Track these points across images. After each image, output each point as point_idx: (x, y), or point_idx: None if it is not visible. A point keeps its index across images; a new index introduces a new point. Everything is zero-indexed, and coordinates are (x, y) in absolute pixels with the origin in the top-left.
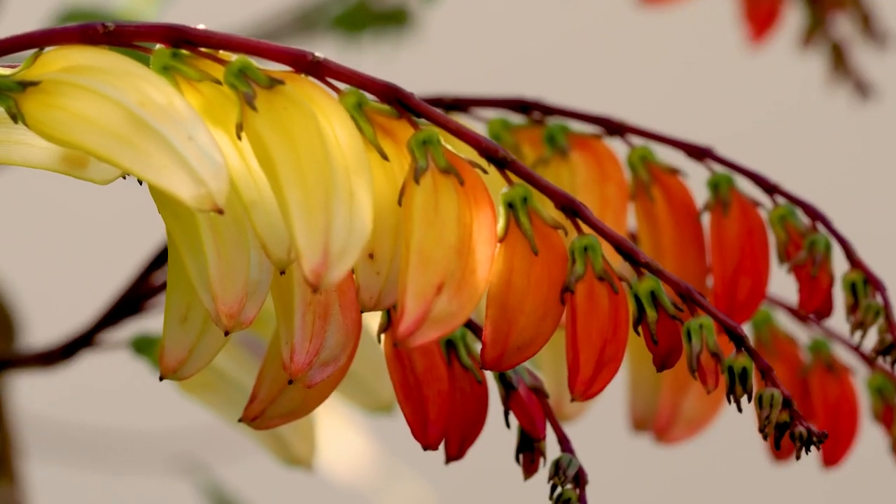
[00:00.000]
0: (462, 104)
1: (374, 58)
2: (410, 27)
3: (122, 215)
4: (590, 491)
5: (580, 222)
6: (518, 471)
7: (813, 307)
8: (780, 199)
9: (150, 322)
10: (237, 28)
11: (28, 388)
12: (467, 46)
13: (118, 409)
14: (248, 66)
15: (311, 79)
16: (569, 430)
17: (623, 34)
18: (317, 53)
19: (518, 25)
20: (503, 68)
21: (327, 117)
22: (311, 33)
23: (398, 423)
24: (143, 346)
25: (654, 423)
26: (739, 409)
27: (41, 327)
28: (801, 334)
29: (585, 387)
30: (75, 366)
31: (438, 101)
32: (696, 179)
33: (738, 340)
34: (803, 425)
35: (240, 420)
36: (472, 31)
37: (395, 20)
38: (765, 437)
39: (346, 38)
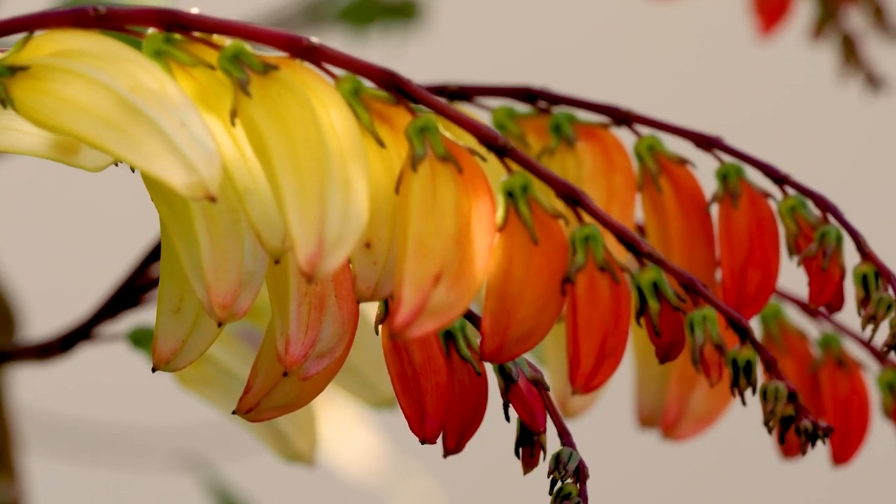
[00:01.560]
0: (466, 93)
1: (381, 51)
2: (418, 20)
3: (121, 206)
4: (591, 486)
5: (581, 211)
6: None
7: (823, 301)
8: (791, 190)
9: (149, 314)
10: (244, 18)
11: (31, 383)
12: (475, 39)
13: (122, 405)
14: (242, 51)
15: (306, 64)
16: (570, 425)
17: (632, 25)
18: (312, 38)
19: (526, 17)
20: (511, 61)
21: (323, 103)
22: (318, 25)
23: None
24: (141, 339)
25: (662, 419)
26: (744, 402)
27: (41, 320)
28: (811, 329)
29: (586, 380)
30: (83, 361)
31: (442, 90)
32: (705, 170)
33: (743, 332)
34: (809, 419)
35: (234, 412)
36: (480, 24)
37: (403, 13)
38: (769, 431)
39: (354, 31)
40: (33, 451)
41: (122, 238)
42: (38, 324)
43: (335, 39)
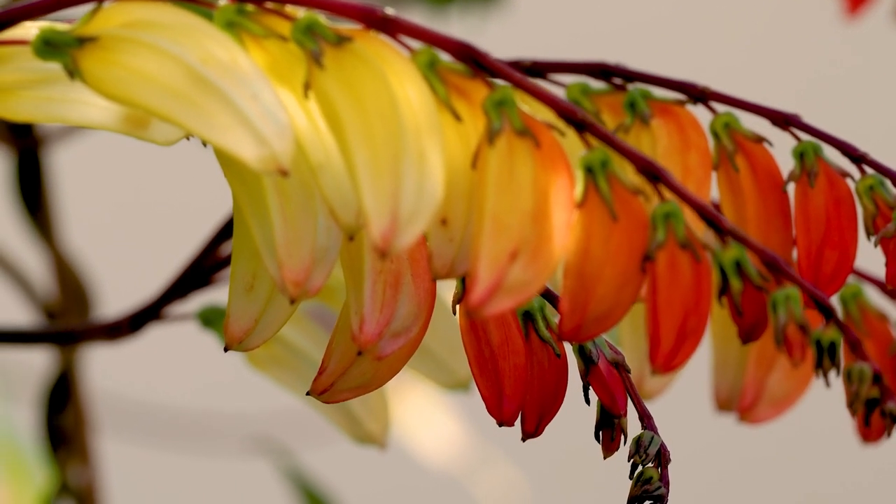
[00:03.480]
0: (540, 69)
1: (461, 29)
2: (497, 0)
3: (193, 184)
4: (672, 469)
5: (662, 188)
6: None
7: None
8: (869, 169)
9: (219, 294)
10: None
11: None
12: (554, 18)
13: (200, 391)
14: (316, 23)
15: (381, 36)
16: (652, 407)
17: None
18: (388, 10)
19: None
20: (591, 39)
21: (398, 76)
22: (398, 6)
23: None
24: (212, 318)
25: (739, 402)
26: (827, 384)
27: (114, 301)
28: (892, 310)
29: (666, 359)
30: (162, 345)
31: (516, 65)
32: (781, 148)
33: (827, 312)
34: (894, 402)
35: (307, 393)
36: (558, 3)
37: None
38: (853, 414)
39: (434, 10)
40: (109, 436)
41: (193, 217)
42: (114, 306)
43: (415, 18)
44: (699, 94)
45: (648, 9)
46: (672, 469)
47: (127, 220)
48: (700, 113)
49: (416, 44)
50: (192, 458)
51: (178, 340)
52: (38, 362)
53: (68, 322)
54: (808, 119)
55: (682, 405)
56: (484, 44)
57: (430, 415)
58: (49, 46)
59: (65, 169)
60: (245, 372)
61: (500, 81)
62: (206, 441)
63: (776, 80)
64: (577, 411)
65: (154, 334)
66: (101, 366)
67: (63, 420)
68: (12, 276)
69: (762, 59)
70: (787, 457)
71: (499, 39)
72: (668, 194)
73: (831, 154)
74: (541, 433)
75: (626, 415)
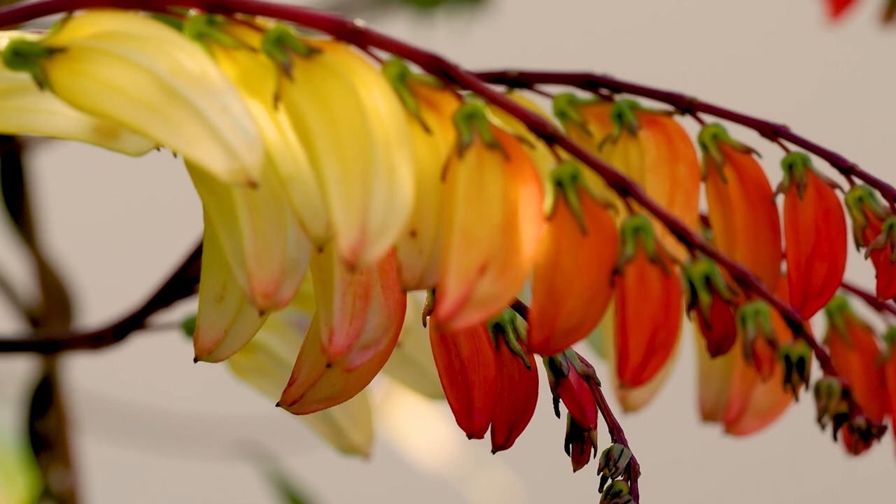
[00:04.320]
0: (527, 79)
1: (447, 35)
2: (484, 3)
3: (176, 194)
4: (642, 483)
5: (632, 201)
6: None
7: (891, 294)
8: (858, 180)
9: None
10: (308, 5)
11: (90, 370)
12: (540, 23)
13: (184, 394)
14: (286, 35)
15: (352, 48)
16: (626, 420)
17: (695, 9)
18: (357, 21)
19: (592, 1)
20: (577, 43)
21: (368, 88)
22: (384, 9)
23: None
24: (194, 329)
25: (725, 414)
26: (797, 399)
27: (96, 309)
28: (878, 322)
29: (635, 373)
30: (145, 348)
31: (503, 76)
32: (770, 159)
33: (796, 327)
34: (863, 417)
35: (277, 404)
36: (545, 7)
37: None
38: (822, 428)
39: (420, 15)
40: (91, 439)
41: (176, 227)
42: (97, 313)
43: (401, 23)
44: (687, 105)
45: (636, 12)
46: (655, 481)
47: (109, 224)
48: (688, 124)
49: (386, 56)
50: (175, 461)
51: (162, 343)
52: (20, 364)
53: (51, 327)
54: (803, 126)
55: (666, 416)
56: (470, 48)
57: (422, 418)
58: (18, 57)
59: (47, 173)
60: (230, 375)
61: (471, 93)
62: (191, 444)
63: (766, 86)
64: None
65: (138, 338)
66: (84, 369)
67: (45, 423)
68: None
69: (750, 67)
70: (775, 467)
71: (484, 43)
72: (638, 208)
73: (820, 165)
74: (510, 446)
75: (595, 427)
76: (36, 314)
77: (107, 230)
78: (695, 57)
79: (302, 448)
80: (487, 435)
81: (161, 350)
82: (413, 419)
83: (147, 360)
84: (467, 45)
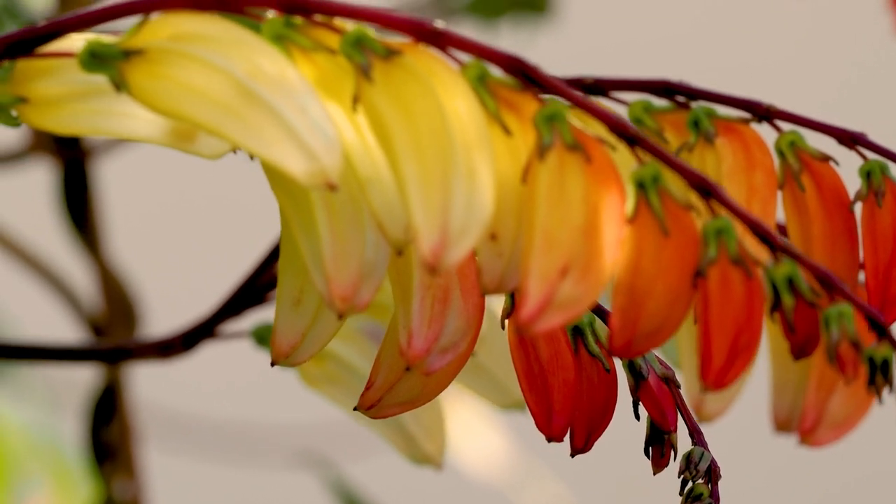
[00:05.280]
0: (602, 87)
1: (511, 44)
2: (549, 13)
3: (247, 201)
4: (723, 486)
5: (714, 203)
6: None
7: None
8: None
9: (273, 312)
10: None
11: (154, 379)
12: (605, 30)
13: (247, 403)
14: (365, 36)
15: (431, 50)
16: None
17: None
18: (437, 22)
19: (659, 7)
20: (645, 53)
21: (447, 90)
22: (447, 19)
23: None
24: (266, 336)
25: (800, 424)
26: (880, 401)
27: (162, 317)
28: None
29: (718, 376)
30: (208, 358)
31: (578, 83)
32: (847, 167)
33: (880, 329)
34: None
35: (355, 408)
36: (610, 16)
37: (534, 6)
38: None
39: (484, 24)
40: (154, 449)
41: (246, 234)
42: (161, 322)
43: (465, 32)
44: (764, 113)
45: (698, 18)
46: (723, 486)
47: (174, 233)
48: (765, 131)
49: (466, 57)
50: (237, 470)
51: (224, 352)
52: (83, 373)
53: (114, 336)
54: (873, 137)
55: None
56: (535, 57)
57: (476, 428)
58: (96, 59)
59: (111, 181)
60: (291, 383)
61: (550, 95)
62: (253, 453)
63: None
64: (625, 428)
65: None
66: (147, 378)
67: (108, 433)
68: (58, 290)
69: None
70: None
71: (550, 52)
72: (720, 210)
73: None
74: (590, 449)
75: (675, 430)
76: (99, 323)
77: (170, 238)
78: (758, 53)
79: (357, 455)
80: (541, 446)
81: (222, 359)
82: (466, 428)
83: (206, 368)
84: (531, 54)
